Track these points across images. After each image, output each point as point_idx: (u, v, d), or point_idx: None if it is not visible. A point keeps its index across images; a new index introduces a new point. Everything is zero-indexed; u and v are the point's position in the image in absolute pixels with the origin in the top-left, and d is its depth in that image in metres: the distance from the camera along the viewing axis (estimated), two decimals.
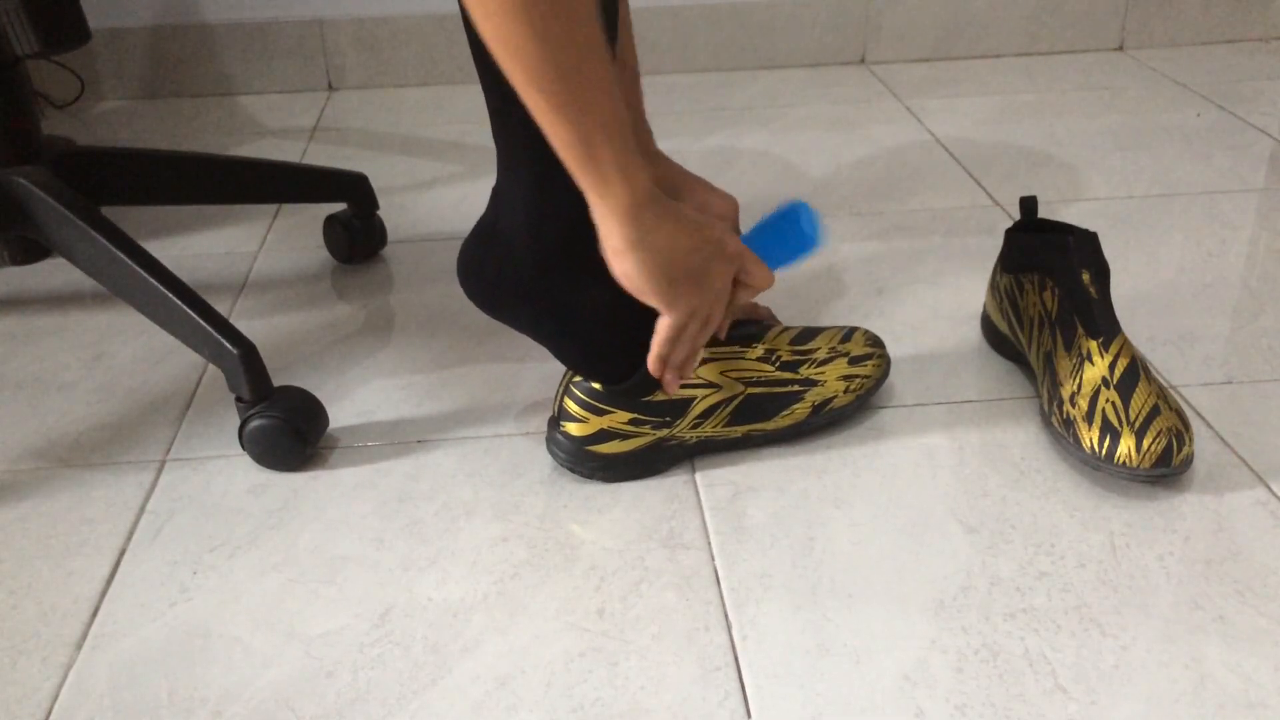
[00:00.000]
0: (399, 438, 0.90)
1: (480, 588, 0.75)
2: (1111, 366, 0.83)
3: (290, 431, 0.85)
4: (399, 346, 1.04)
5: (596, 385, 0.82)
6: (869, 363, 0.89)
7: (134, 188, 1.16)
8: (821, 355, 0.88)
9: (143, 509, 0.83)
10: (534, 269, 0.77)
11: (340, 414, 0.93)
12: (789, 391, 0.86)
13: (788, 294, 1.10)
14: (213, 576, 0.76)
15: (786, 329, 0.89)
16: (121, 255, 0.89)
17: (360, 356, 1.02)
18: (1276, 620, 0.70)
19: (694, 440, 0.85)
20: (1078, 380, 0.83)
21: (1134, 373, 0.82)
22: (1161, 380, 0.94)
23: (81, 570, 0.77)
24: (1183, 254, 1.16)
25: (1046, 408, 0.86)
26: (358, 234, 1.18)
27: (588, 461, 0.83)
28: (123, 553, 0.79)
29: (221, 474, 0.86)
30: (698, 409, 0.83)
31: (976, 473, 0.84)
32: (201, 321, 0.86)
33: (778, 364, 0.86)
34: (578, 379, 0.82)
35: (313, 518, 0.82)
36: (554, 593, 0.74)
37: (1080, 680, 0.66)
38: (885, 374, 0.91)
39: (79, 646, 0.71)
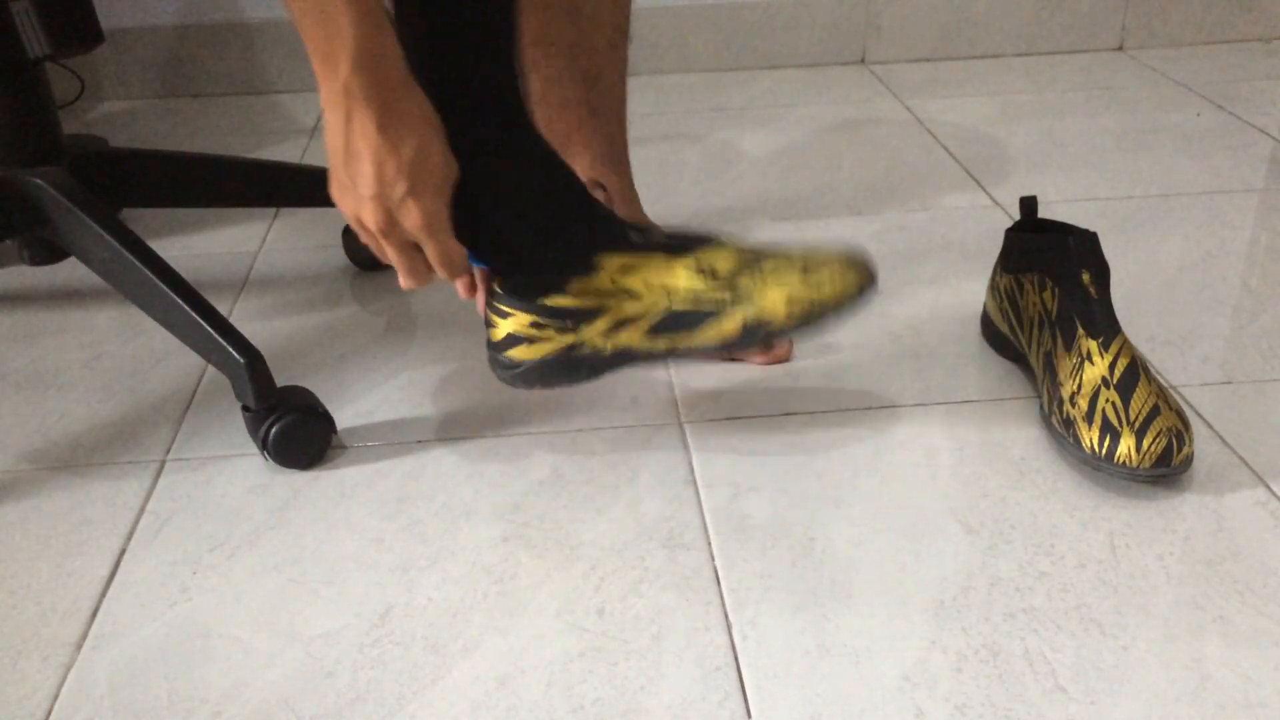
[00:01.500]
0: (399, 438, 0.90)
1: (480, 588, 0.75)
2: (1111, 366, 0.83)
3: (316, 418, 0.86)
4: (399, 347, 1.04)
5: (498, 288, 0.80)
6: (827, 274, 0.75)
7: (155, 189, 1.16)
8: (770, 270, 0.77)
9: (143, 509, 0.83)
10: (468, 199, 0.77)
11: (341, 414, 0.93)
12: (716, 301, 0.77)
13: None
14: (213, 576, 0.76)
15: (744, 241, 0.80)
16: (132, 259, 0.89)
17: (360, 357, 1.02)
18: (1276, 620, 0.70)
19: (610, 350, 0.80)
20: (1078, 380, 0.83)
21: (1134, 373, 0.83)
22: (1161, 380, 0.94)
23: (81, 570, 0.77)
24: (1183, 254, 1.16)
25: (1046, 408, 0.86)
26: None
27: (502, 367, 0.82)
28: (123, 553, 0.79)
29: (221, 474, 0.86)
30: (609, 319, 0.78)
31: (976, 473, 0.84)
32: (208, 328, 0.86)
33: (708, 275, 0.77)
34: (495, 286, 0.81)
35: (313, 518, 0.82)
36: (554, 593, 0.74)
37: (1080, 680, 0.66)
38: (854, 295, 0.76)
39: (79, 646, 0.71)
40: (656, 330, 0.78)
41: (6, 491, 0.86)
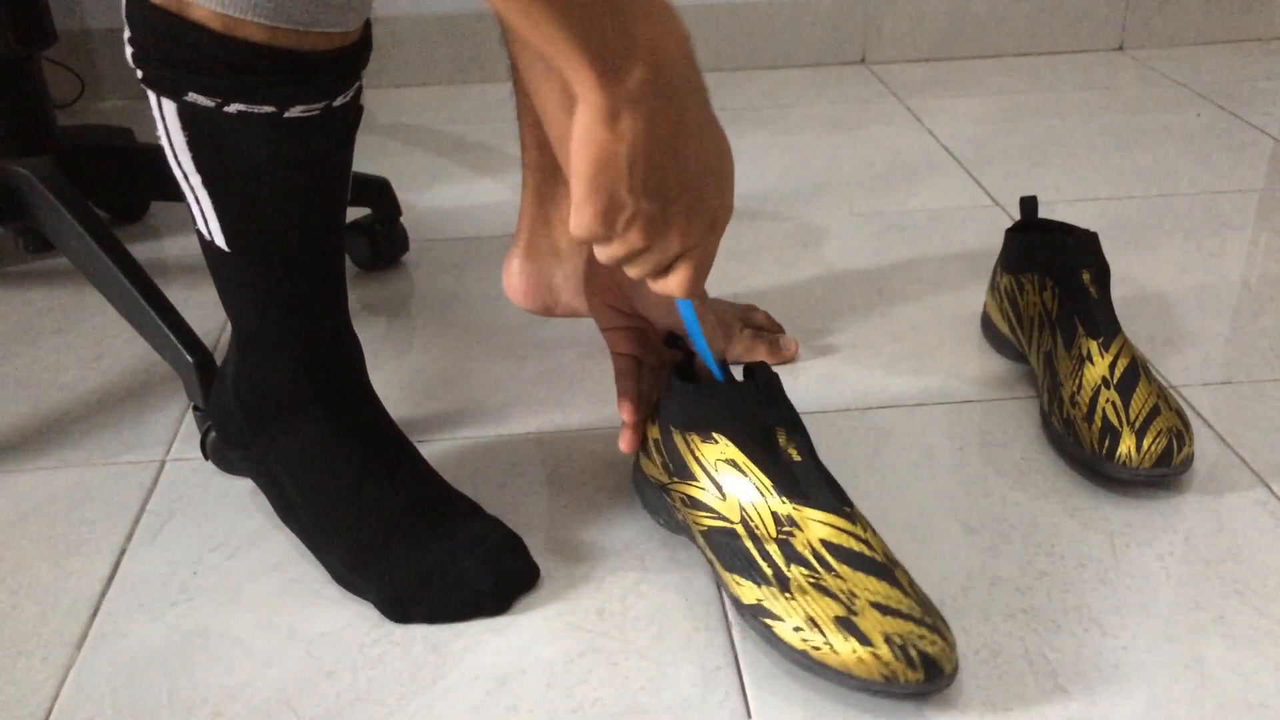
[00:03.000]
0: None
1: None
2: (1111, 366, 0.83)
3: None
4: (399, 346, 1.04)
5: (665, 391, 0.75)
6: (861, 649, 0.63)
7: (147, 182, 1.17)
8: (840, 588, 0.65)
9: (143, 509, 0.83)
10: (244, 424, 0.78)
11: None
12: (756, 567, 0.67)
13: (788, 294, 1.10)
14: (213, 576, 0.76)
15: (865, 539, 0.67)
16: (99, 250, 0.91)
17: (372, 358, 1.02)
18: (1276, 620, 0.70)
19: (679, 516, 0.75)
20: (1078, 380, 0.83)
21: (1134, 373, 0.83)
22: (1161, 380, 0.94)
23: (81, 570, 0.77)
24: (1183, 254, 1.16)
25: (1046, 408, 0.86)
26: (381, 241, 1.17)
27: (635, 465, 0.80)
28: (123, 553, 0.79)
29: (221, 474, 0.86)
30: (692, 490, 0.72)
31: (976, 473, 0.84)
32: (162, 324, 0.87)
33: (780, 538, 0.67)
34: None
35: None
36: (554, 592, 0.74)
37: (1080, 680, 0.66)
38: (872, 688, 0.63)
39: (79, 646, 0.71)
40: (708, 536, 0.71)
41: (6, 491, 0.86)
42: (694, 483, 0.72)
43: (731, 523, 0.69)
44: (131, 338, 1.06)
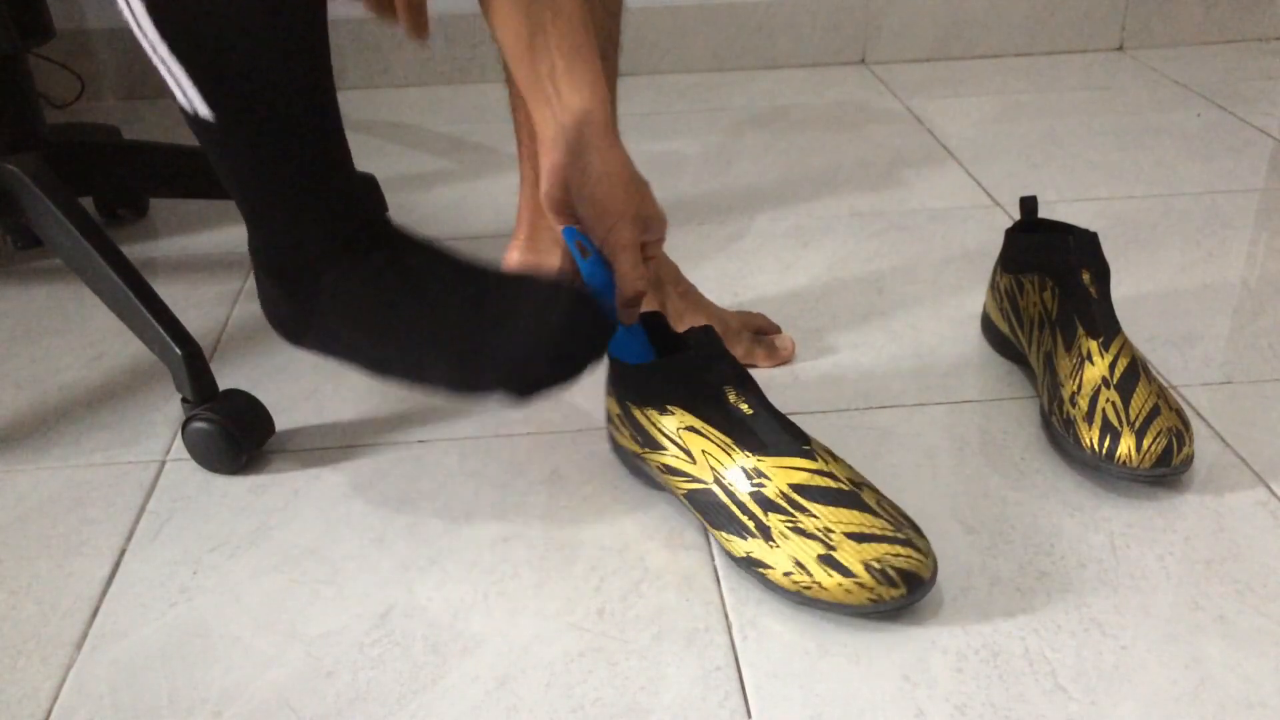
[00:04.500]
0: (399, 437, 0.90)
1: (480, 588, 0.75)
2: (1111, 366, 0.83)
3: (224, 436, 0.85)
4: None
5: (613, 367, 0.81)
6: (845, 580, 0.68)
7: (139, 179, 1.17)
8: (815, 526, 0.70)
9: (143, 509, 0.83)
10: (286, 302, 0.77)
11: (341, 413, 0.93)
12: (740, 521, 0.72)
13: (788, 294, 1.10)
14: (213, 576, 0.76)
15: (829, 469, 0.73)
16: (87, 245, 0.91)
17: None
18: (1276, 620, 0.70)
19: (660, 481, 0.79)
20: (1078, 380, 0.83)
21: (1134, 373, 0.83)
22: (1161, 380, 0.94)
23: (81, 570, 0.77)
24: (1183, 254, 1.16)
25: (1046, 408, 0.86)
26: None
27: (609, 438, 0.85)
28: (123, 553, 0.79)
29: (221, 474, 0.86)
30: (664, 458, 0.77)
31: (976, 473, 0.84)
32: (150, 317, 0.87)
33: (754, 490, 0.72)
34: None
35: (313, 518, 0.82)
36: (554, 593, 0.74)
37: (1080, 680, 0.66)
38: (865, 608, 0.69)
39: (79, 646, 0.71)
40: (692, 500, 0.76)
41: (6, 491, 0.86)
42: (664, 452, 0.77)
43: (707, 484, 0.74)
44: (131, 338, 1.06)
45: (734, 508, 0.73)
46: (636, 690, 0.66)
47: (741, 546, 0.72)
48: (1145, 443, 0.78)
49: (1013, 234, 0.95)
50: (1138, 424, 0.79)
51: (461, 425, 0.92)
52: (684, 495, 0.76)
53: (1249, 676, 0.66)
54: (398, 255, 0.76)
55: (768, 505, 0.72)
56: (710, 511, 0.74)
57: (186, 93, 0.68)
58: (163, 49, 0.66)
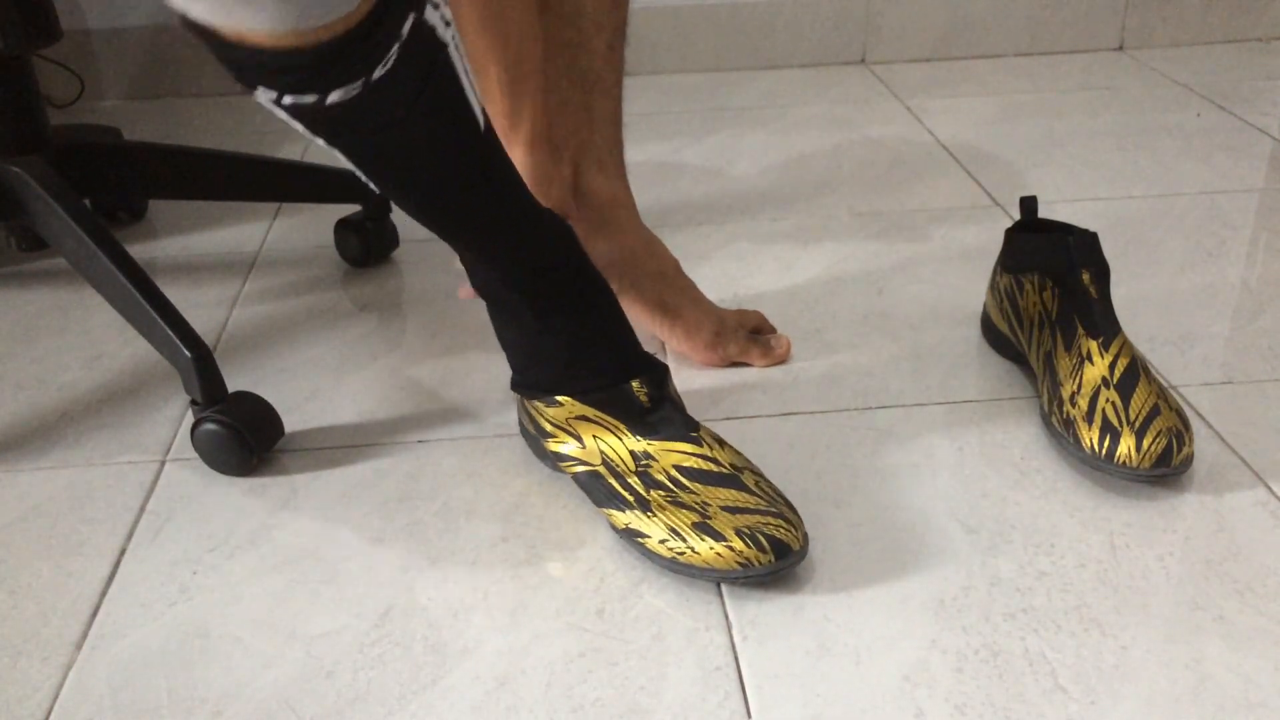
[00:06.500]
0: (399, 437, 0.90)
1: (480, 588, 0.75)
2: (1111, 366, 0.83)
3: (234, 439, 0.85)
4: (399, 346, 1.04)
5: None
6: (716, 544, 0.71)
7: (143, 181, 1.17)
8: (685, 498, 0.74)
9: (143, 509, 0.83)
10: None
11: (341, 413, 0.93)
12: (620, 496, 0.76)
13: (788, 294, 1.10)
14: (213, 576, 0.76)
15: (713, 456, 0.77)
16: (95, 247, 0.91)
17: (361, 356, 1.02)
18: (1276, 620, 0.70)
19: (557, 464, 0.82)
20: (1078, 380, 0.83)
21: (1134, 373, 0.83)
22: (1161, 380, 0.94)
23: (81, 570, 0.77)
24: (1183, 254, 1.16)
25: (1046, 408, 0.86)
26: (371, 237, 1.18)
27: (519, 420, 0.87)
28: (123, 553, 0.79)
29: (221, 474, 0.86)
30: (555, 445, 0.80)
31: (976, 473, 0.84)
32: (160, 321, 0.87)
33: (640, 469, 0.76)
34: None
35: (313, 518, 0.82)
36: (554, 593, 0.74)
37: (1080, 680, 0.66)
38: (733, 574, 0.72)
39: (79, 646, 0.71)
40: (580, 481, 0.80)
41: (6, 491, 0.86)
42: (553, 439, 0.80)
43: (594, 465, 0.78)
44: (131, 338, 1.06)
45: (618, 485, 0.77)
46: (636, 690, 0.66)
47: (621, 519, 0.76)
48: (1145, 443, 0.78)
49: (1013, 234, 0.95)
50: (1138, 424, 0.79)
51: (461, 425, 0.92)
52: (573, 477, 0.80)
53: (1249, 676, 0.66)
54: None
55: (651, 483, 0.76)
56: (595, 491, 0.78)
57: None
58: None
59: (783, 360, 0.99)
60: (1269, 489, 0.81)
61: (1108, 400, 0.81)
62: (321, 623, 0.72)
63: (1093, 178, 1.35)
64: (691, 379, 0.97)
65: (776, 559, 0.71)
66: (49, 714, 0.66)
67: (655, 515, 0.74)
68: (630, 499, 0.76)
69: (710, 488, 0.75)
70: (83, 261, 0.92)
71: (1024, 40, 1.82)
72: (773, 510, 0.73)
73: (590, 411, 0.79)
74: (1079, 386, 0.83)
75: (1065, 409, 0.83)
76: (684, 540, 0.73)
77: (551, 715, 0.65)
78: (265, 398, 0.89)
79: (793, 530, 0.72)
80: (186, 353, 0.85)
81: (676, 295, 0.98)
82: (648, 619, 0.72)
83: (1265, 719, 0.63)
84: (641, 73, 1.79)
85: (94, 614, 0.74)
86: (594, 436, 0.78)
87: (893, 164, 1.42)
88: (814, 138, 1.52)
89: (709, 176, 1.40)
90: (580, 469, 0.79)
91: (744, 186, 1.37)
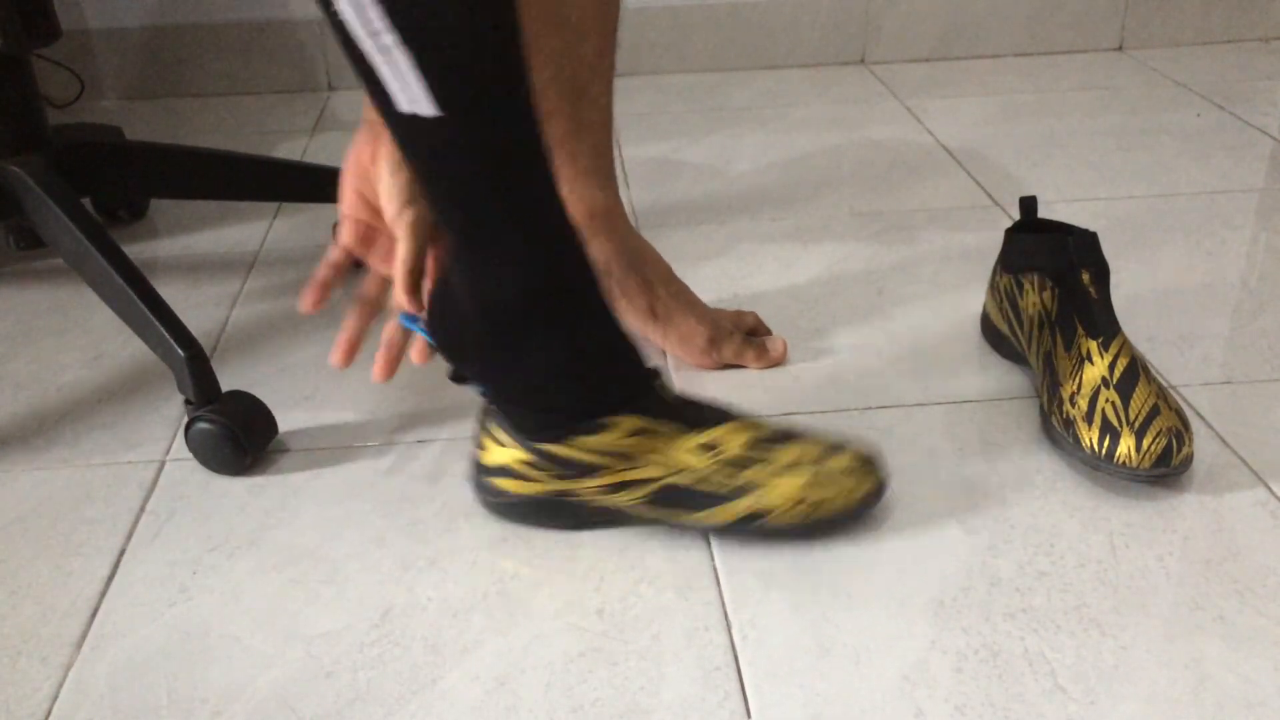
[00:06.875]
0: (399, 437, 0.90)
1: (480, 588, 0.75)
2: (1111, 366, 0.83)
3: (227, 438, 0.85)
4: None
5: (504, 414, 0.76)
6: (839, 481, 0.75)
7: (143, 181, 1.17)
8: (784, 461, 0.75)
9: (143, 509, 0.83)
10: (481, 338, 0.73)
11: (341, 413, 0.93)
12: (719, 492, 0.74)
13: (788, 294, 1.10)
14: (213, 576, 0.76)
15: (763, 424, 0.77)
16: (90, 246, 0.91)
17: (361, 355, 1.02)
18: (1276, 620, 0.70)
19: (601, 506, 0.77)
20: (1077, 380, 0.83)
21: (1134, 373, 0.83)
22: (1161, 380, 0.94)
23: (81, 570, 0.77)
24: (1183, 254, 1.16)
25: (1046, 408, 0.86)
26: None
27: (491, 494, 0.78)
28: (123, 553, 0.79)
29: (221, 474, 0.86)
30: (607, 479, 0.75)
31: (976, 473, 0.84)
32: (153, 319, 0.87)
33: (715, 459, 0.74)
34: (492, 405, 0.77)
35: (313, 518, 0.82)
36: (554, 593, 0.74)
37: (1080, 680, 0.66)
38: (863, 503, 0.76)
39: (79, 646, 0.71)
40: (654, 501, 0.75)
41: (6, 491, 0.86)
42: (605, 472, 0.75)
43: (669, 474, 0.75)
44: (130, 337, 1.06)
45: (708, 484, 0.74)
46: (636, 690, 0.66)
47: (732, 510, 0.74)
48: (1145, 443, 0.78)
49: (1012, 234, 0.95)
50: (1137, 424, 0.79)
51: (462, 425, 0.92)
52: (647, 502, 0.75)
53: (1249, 676, 0.66)
54: (596, 349, 0.74)
55: (735, 463, 0.75)
56: (685, 499, 0.75)
57: (409, 87, 0.61)
58: (389, 38, 0.60)
59: (778, 362, 0.98)
60: (1269, 489, 0.81)
61: (1107, 400, 0.81)
62: (321, 623, 0.72)
63: (1093, 178, 1.35)
64: (689, 380, 0.97)
65: (883, 477, 0.78)
66: (49, 714, 0.66)
67: (767, 489, 0.74)
68: (730, 487, 0.74)
69: (788, 446, 0.76)
70: (79, 261, 0.93)
71: (1024, 40, 1.82)
72: (840, 444, 0.77)
73: (645, 422, 0.74)
74: (1079, 386, 0.83)
75: (1065, 409, 0.83)
76: (808, 497, 0.74)
77: (551, 715, 0.65)
78: (265, 397, 0.89)
79: (866, 449, 0.78)
80: (180, 352, 0.85)
81: (669, 301, 0.98)
82: (648, 619, 0.72)
83: (1265, 719, 0.63)
84: (640, 72, 1.79)
85: (94, 614, 0.74)
86: (650, 451, 0.74)
87: (893, 164, 1.42)
88: (814, 138, 1.52)
89: (709, 176, 1.40)
90: (656, 487, 0.75)
91: (744, 186, 1.37)
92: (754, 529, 0.75)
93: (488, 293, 0.70)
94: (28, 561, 0.78)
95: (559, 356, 0.73)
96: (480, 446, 0.78)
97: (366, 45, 0.61)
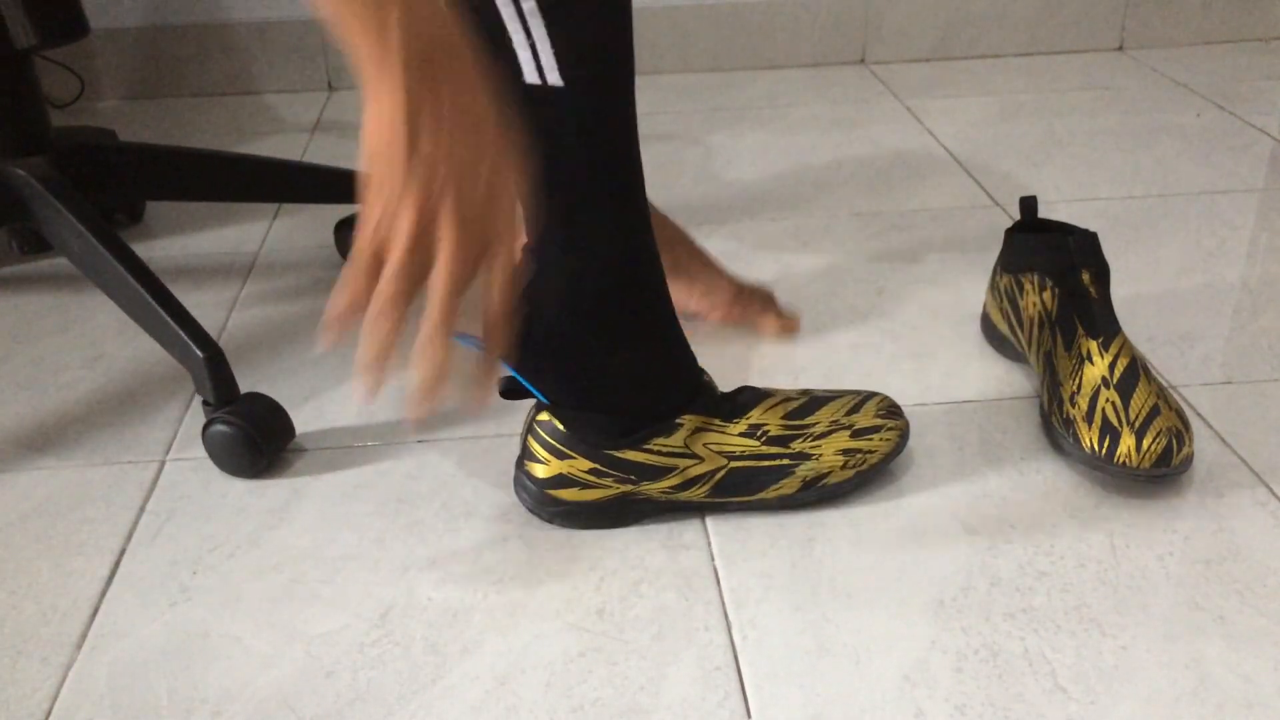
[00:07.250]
0: (399, 437, 0.90)
1: (480, 588, 0.75)
2: (1111, 366, 0.83)
3: (245, 440, 0.85)
4: (398, 345, 1.04)
5: (560, 425, 0.76)
6: (876, 435, 0.81)
7: (142, 183, 1.17)
8: (820, 429, 0.80)
9: (143, 509, 0.83)
10: (568, 329, 0.74)
11: (341, 414, 0.93)
12: (777, 466, 0.78)
13: (788, 294, 1.10)
14: (213, 576, 0.76)
15: (788, 399, 0.81)
16: (103, 250, 0.91)
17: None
18: (1276, 620, 0.70)
19: (668, 501, 0.79)
20: (1078, 380, 0.83)
21: (1134, 373, 0.83)
22: (1161, 380, 0.94)
23: (81, 570, 0.77)
24: (1183, 254, 1.16)
25: (1046, 408, 0.86)
26: None
27: (548, 505, 0.78)
28: (123, 553, 0.79)
29: (221, 474, 0.86)
30: (675, 479, 0.77)
31: (976, 473, 0.84)
32: (171, 321, 0.87)
33: (763, 439, 0.78)
34: (542, 417, 0.77)
35: (313, 518, 0.82)
36: (554, 593, 0.74)
37: (1080, 680, 0.66)
38: (898, 447, 0.82)
39: (79, 646, 0.71)
40: (720, 490, 0.78)
41: (6, 491, 0.86)
42: (674, 472, 0.77)
43: (731, 461, 0.78)
44: (130, 338, 1.06)
45: (763, 460, 0.78)
46: (636, 690, 0.66)
47: (791, 483, 0.78)
48: (1145, 443, 0.78)
49: (1012, 234, 0.95)
50: (1137, 424, 0.79)
51: (461, 425, 0.92)
52: (714, 488, 0.78)
53: (1249, 676, 0.66)
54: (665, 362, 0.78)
55: (777, 441, 0.78)
56: (750, 479, 0.78)
57: (540, 59, 0.64)
58: (529, 4, 0.62)
59: (794, 331, 1.01)
60: (1269, 489, 0.81)
61: (1108, 400, 0.81)
62: (321, 623, 0.72)
63: (1093, 178, 1.35)
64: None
65: (905, 422, 0.83)
66: (49, 714, 0.66)
67: (818, 454, 0.79)
68: (784, 461, 0.78)
69: (818, 411, 0.81)
70: (90, 264, 0.92)
71: (1024, 40, 1.82)
72: (866, 392, 0.84)
73: (704, 418, 0.78)
74: (1079, 386, 0.83)
75: (1065, 409, 0.83)
76: (856, 450, 0.79)
77: (551, 715, 0.65)
78: None
79: (879, 396, 0.84)
80: (199, 353, 0.85)
81: (689, 259, 0.99)
82: (648, 619, 0.72)
83: (1265, 719, 0.63)
84: (641, 72, 1.79)
85: (94, 614, 0.74)
86: (705, 445, 0.77)
87: (893, 164, 1.42)
88: (814, 138, 1.52)
89: (709, 176, 1.40)
90: (722, 475, 0.78)
91: (744, 186, 1.37)
92: (816, 491, 0.79)
93: (580, 274, 0.72)
94: (28, 561, 0.78)
95: (642, 349, 0.76)
96: (532, 459, 0.78)
97: (507, 10, 0.62)
